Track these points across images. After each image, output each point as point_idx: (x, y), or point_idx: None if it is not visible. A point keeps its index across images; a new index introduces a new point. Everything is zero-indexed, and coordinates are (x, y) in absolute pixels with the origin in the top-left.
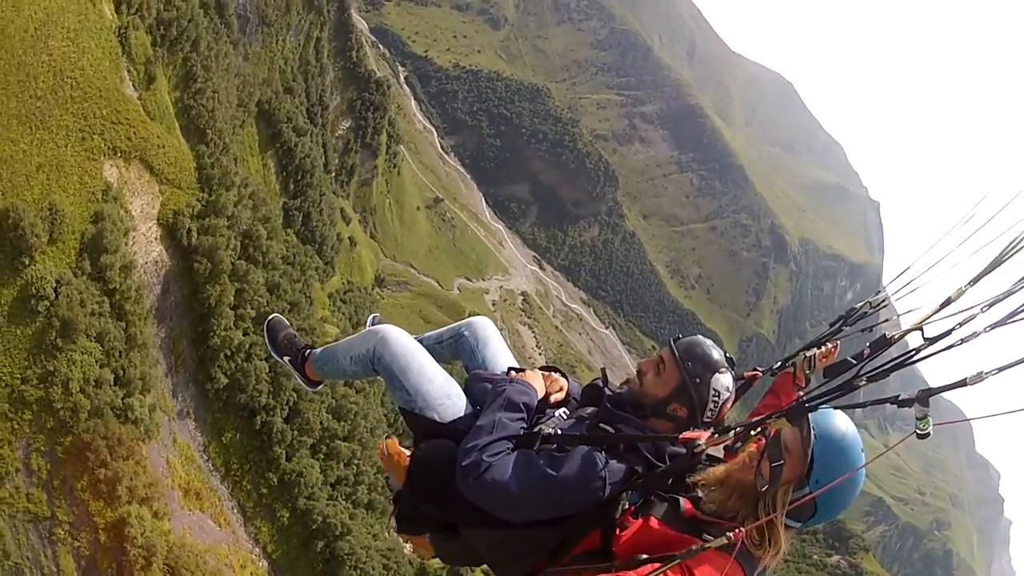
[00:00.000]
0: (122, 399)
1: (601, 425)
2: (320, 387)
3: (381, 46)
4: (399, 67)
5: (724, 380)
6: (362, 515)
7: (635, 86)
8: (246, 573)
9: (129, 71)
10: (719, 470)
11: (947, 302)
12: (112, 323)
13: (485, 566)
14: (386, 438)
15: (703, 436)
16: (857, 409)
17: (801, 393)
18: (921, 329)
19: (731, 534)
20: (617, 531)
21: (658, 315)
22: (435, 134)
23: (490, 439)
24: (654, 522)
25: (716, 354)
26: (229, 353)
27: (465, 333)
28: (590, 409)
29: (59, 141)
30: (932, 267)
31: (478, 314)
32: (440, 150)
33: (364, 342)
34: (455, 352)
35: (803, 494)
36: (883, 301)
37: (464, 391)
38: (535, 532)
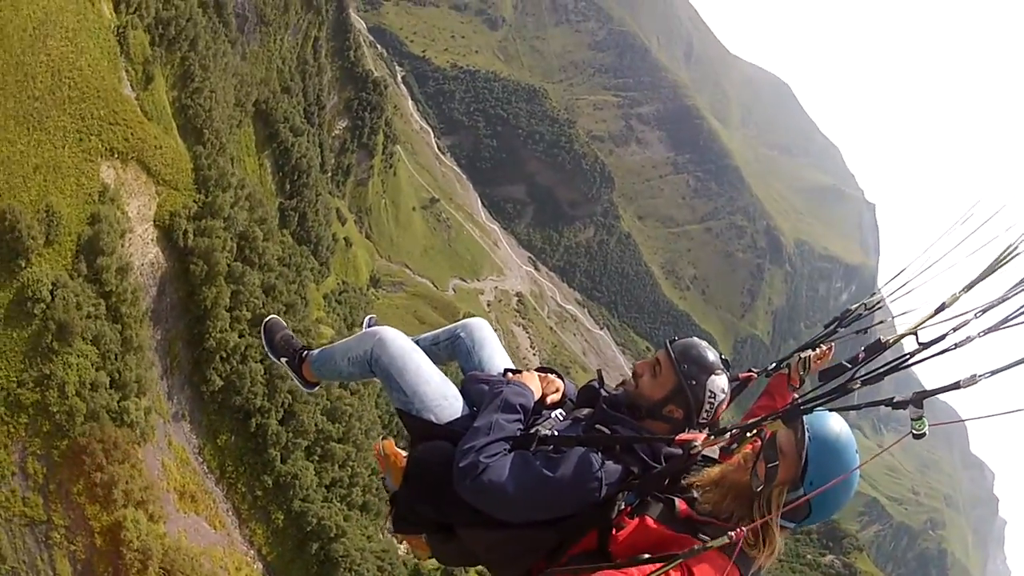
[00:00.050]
0: (118, 402)
1: (597, 426)
2: (317, 388)
3: (379, 46)
4: (396, 67)
5: (720, 382)
6: (357, 517)
7: (632, 87)
8: (241, 575)
9: (127, 71)
10: (714, 471)
11: (942, 307)
12: (108, 326)
13: (480, 567)
14: (382, 439)
15: (699, 438)
16: (852, 411)
17: (796, 395)
18: (916, 334)
19: (732, 533)
20: (614, 531)
21: (653, 316)
22: (432, 134)
23: (487, 440)
24: (650, 522)
25: (712, 356)
26: (225, 355)
27: (461, 335)
28: (586, 410)
29: (56, 142)
30: (927, 269)
31: (473, 315)
32: (436, 150)
33: (362, 343)
34: (451, 353)
35: (797, 495)
36: (878, 303)
37: (460, 392)
38: (532, 533)
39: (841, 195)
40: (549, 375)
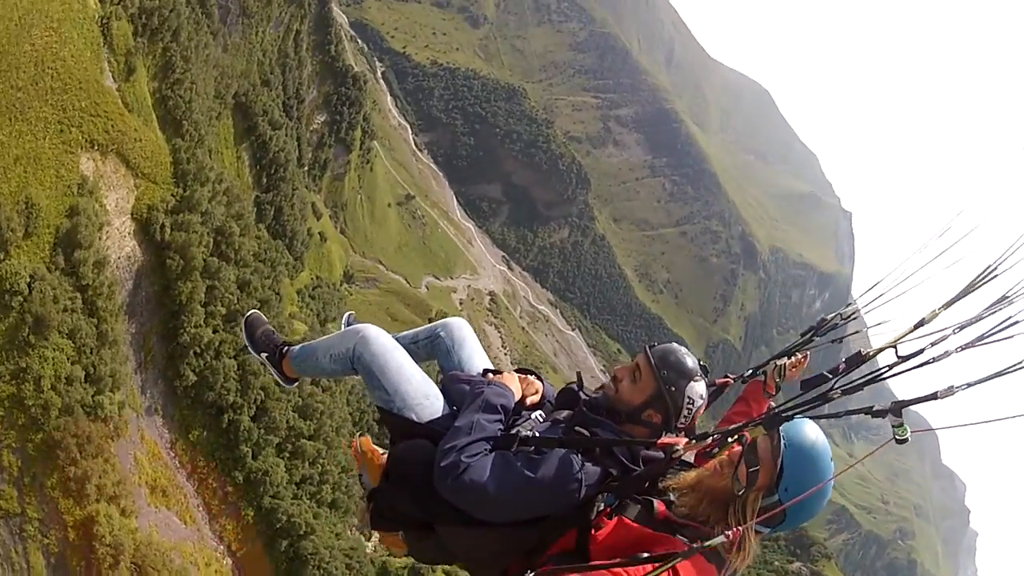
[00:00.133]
0: (92, 396)
1: (577, 429)
2: (296, 384)
3: (360, 41)
4: (377, 62)
5: (698, 388)
6: (326, 514)
7: (612, 89)
8: (211, 571)
9: (110, 62)
10: (691, 475)
11: (921, 323)
12: (84, 319)
13: (449, 566)
14: (359, 436)
15: (681, 442)
16: (830, 419)
17: (772, 402)
18: (895, 347)
19: (730, 532)
20: (593, 531)
21: (625, 319)
22: (409, 131)
23: (468, 440)
24: (629, 522)
25: (690, 362)
26: (199, 351)
27: (441, 334)
28: (565, 413)
29: (37, 133)
30: (902, 282)
31: (446, 313)
32: (414, 147)
33: (344, 340)
34: (431, 352)
35: (772, 501)
36: (853, 313)
37: (441, 392)
38: (512, 532)
39: (818, 203)
40: (529, 376)
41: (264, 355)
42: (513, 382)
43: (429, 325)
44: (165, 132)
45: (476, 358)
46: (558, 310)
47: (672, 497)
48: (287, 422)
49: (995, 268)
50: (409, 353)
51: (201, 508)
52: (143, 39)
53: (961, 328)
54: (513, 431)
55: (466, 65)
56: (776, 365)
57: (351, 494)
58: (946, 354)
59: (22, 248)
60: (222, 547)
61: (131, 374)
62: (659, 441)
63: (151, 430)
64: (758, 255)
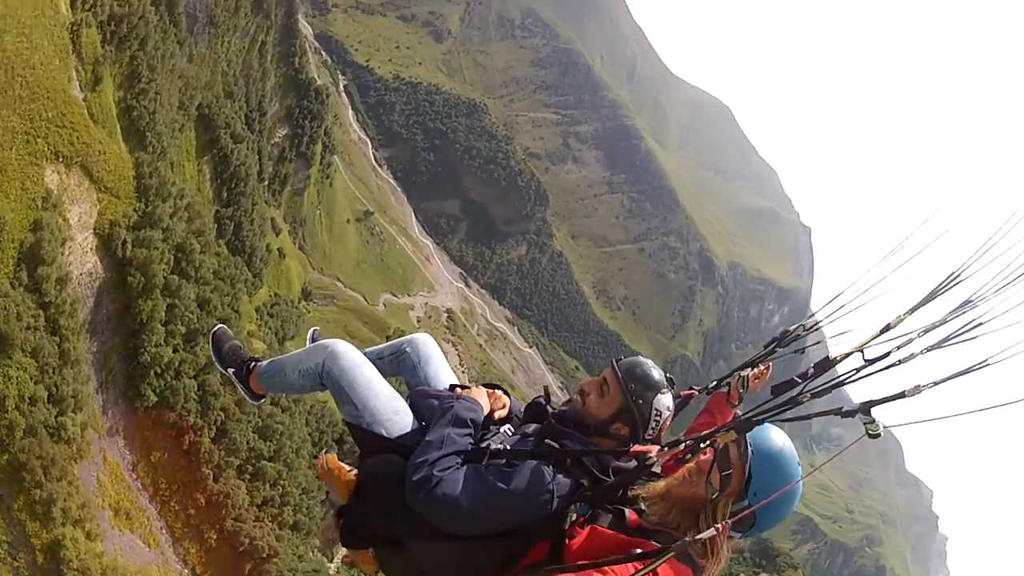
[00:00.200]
0: (55, 417)
1: (547, 441)
2: (263, 400)
3: (324, 53)
4: (340, 75)
5: (665, 400)
6: (288, 537)
7: (572, 105)
8: None
9: (77, 70)
10: (660, 485)
11: (887, 328)
12: (47, 338)
13: None
14: (326, 453)
15: (654, 450)
16: (799, 422)
17: (738, 411)
18: (862, 351)
19: (719, 526)
20: (567, 541)
21: (583, 335)
22: (370, 145)
23: (440, 454)
24: (602, 530)
25: (657, 375)
26: (159, 371)
27: (407, 350)
28: (534, 426)
29: (4, 143)
30: (865, 292)
31: (403, 331)
32: (373, 162)
33: (313, 356)
34: (396, 368)
35: (742, 506)
36: (816, 324)
37: (409, 407)
38: (484, 545)
39: (777, 218)
40: (496, 391)
41: (231, 370)
42: (481, 396)
43: (394, 341)
44: (128, 143)
45: (443, 374)
46: (516, 327)
47: (643, 506)
48: (247, 443)
49: (959, 274)
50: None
51: (164, 531)
52: (111, 47)
53: (926, 331)
54: (483, 445)
55: (428, 80)
56: (739, 376)
57: (312, 516)
58: (912, 356)
59: None
60: (187, 571)
61: (92, 394)
62: (632, 449)
63: (113, 451)
64: (716, 271)
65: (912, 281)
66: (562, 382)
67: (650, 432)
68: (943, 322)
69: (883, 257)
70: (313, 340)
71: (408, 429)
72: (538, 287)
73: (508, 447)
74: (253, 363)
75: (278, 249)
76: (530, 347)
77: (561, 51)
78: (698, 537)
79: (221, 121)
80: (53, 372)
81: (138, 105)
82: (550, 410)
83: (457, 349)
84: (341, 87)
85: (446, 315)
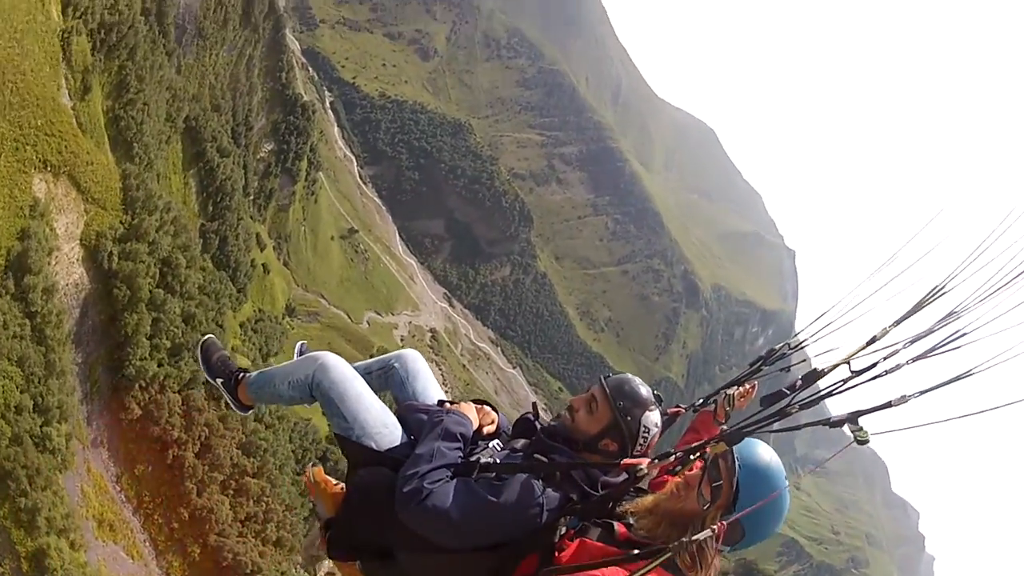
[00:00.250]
0: (40, 427)
1: (536, 456)
2: (251, 411)
3: (311, 69)
4: (326, 92)
5: (653, 417)
6: (271, 553)
7: (557, 127)
8: None
9: (67, 78)
10: (648, 499)
11: (873, 340)
12: (33, 348)
13: None
14: (312, 466)
15: (644, 462)
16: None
17: (724, 428)
18: (848, 363)
19: (715, 527)
20: (556, 554)
21: (566, 357)
22: (355, 163)
23: (430, 467)
24: (591, 543)
25: (645, 391)
26: (144, 384)
27: (395, 365)
28: (522, 441)
29: None
30: (849, 311)
31: (387, 349)
32: (358, 180)
33: (303, 367)
34: (384, 384)
35: (730, 519)
36: (801, 343)
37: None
38: (473, 557)
39: (761, 241)
40: (484, 407)
41: (220, 381)
42: (470, 411)
43: (383, 356)
44: (116, 154)
45: (431, 389)
46: (499, 348)
47: (631, 520)
48: (231, 459)
49: (943, 286)
50: None
51: (148, 544)
52: (100, 55)
53: (912, 342)
54: (474, 458)
55: (414, 98)
56: (725, 395)
57: (295, 532)
58: (898, 367)
59: None
60: None
61: (77, 405)
62: (623, 462)
63: (97, 463)
64: (700, 293)
65: (898, 299)
66: (546, 403)
67: (638, 448)
68: (928, 332)
69: (868, 275)
70: (301, 354)
71: (398, 442)
72: (522, 308)
73: (498, 461)
74: (242, 374)
75: (263, 264)
76: (513, 368)
77: (547, 72)
78: (695, 538)
79: (208, 134)
80: (39, 382)
81: (126, 115)
82: (539, 425)
83: (441, 369)
84: (327, 103)
85: (430, 334)
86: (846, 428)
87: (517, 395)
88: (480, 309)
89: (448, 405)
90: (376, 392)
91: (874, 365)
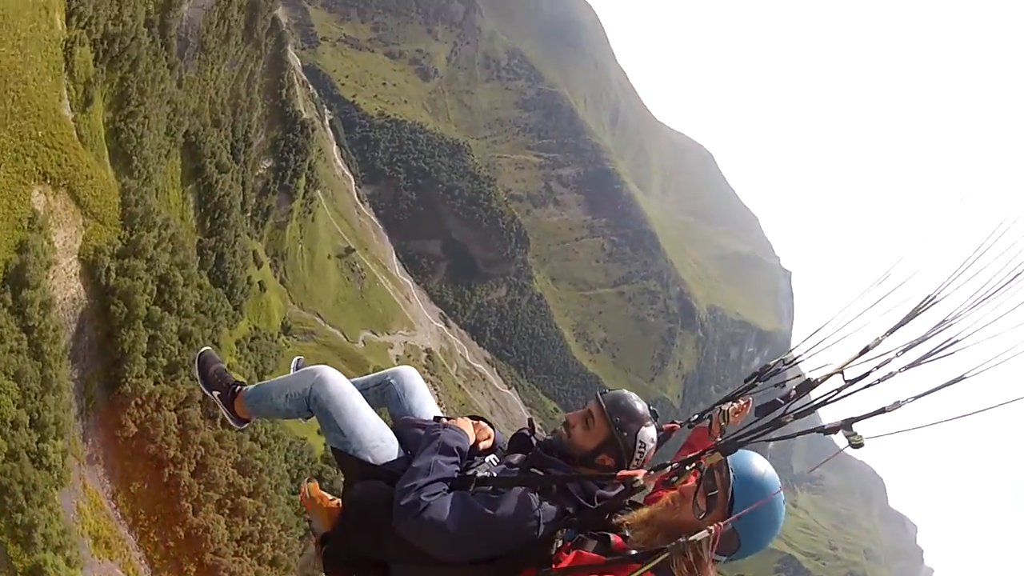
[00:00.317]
0: (37, 443)
1: (532, 469)
2: (247, 425)
3: (311, 86)
4: (325, 109)
5: (649, 432)
6: (267, 572)
7: (555, 148)
8: None
9: (69, 89)
10: (643, 512)
11: (866, 349)
12: (29, 362)
13: None
14: (308, 482)
15: (641, 473)
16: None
17: (719, 440)
18: (842, 372)
19: (712, 528)
20: (553, 567)
21: (562, 378)
22: (353, 182)
23: (427, 480)
24: (587, 554)
25: (640, 407)
26: (140, 402)
27: (392, 381)
28: (518, 456)
29: None
30: (842, 328)
31: (382, 369)
32: (356, 199)
33: (300, 381)
34: (380, 400)
35: (726, 530)
36: (796, 359)
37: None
38: (471, 570)
39: (758, 263)
40: (480, 422)
41: (216, 393)
42: (467, 426)
43: (379, 373)
44: (115, 167)
45: (427, 405)
46: (495, 368)
47: (627, 532)
48: (227, 478)
49: (935, 296)
50: None
51: (144, 561)
52: (102, 65)
53: (904, 350)
54: (471, 472)
55: (413, 118)
56: (720, 411)
57: (291, 552)
58: (891, 375)
59: None
60: None
61: (73, 421)
62: (619, 473)
63: (92, 479)
64: (696, 314)
65: (891, 313)
66: (541, 423)
67: (635, 463)
68: (921, 340)
69: (861, 292)
70: (298, 368)
71: (394, 456)
72: (518, 329)
73: (494, 475)
74: (239, 387)
75: (259, 282)
76: (509, 388)
77: (545, 94)
78: (691, 539)
79: (207, 149)
80: (35, 397)
81: (126, 128)
82: (535, 440)
83: (436, 389)
84: (326, 121)
85: (425, 354)
86: (841, 435)
87: (512, 415)
88: (476, 329)
89: (445, 420)
90: (373, 408)
91: (867, 374)
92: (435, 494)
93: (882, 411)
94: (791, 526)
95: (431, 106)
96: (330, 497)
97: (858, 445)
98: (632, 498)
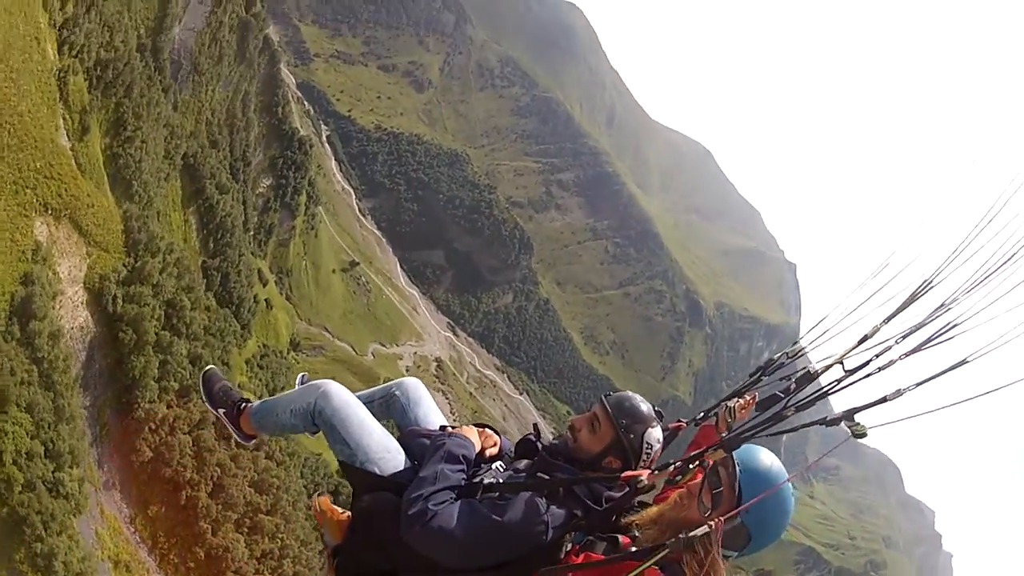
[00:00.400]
0: (52, 473)
1: (539, 474)
2: (254, 441)
3: (306, 103)
4: (322, 125)
5: (655, 433)
6: None
7: (553, 153)
8: None
9: (65, 119)
10: (652, 511)
11: (864, 338)
12: (41, 393)
13: None
14: (318, 495)
15: (644, 474)
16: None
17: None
18: (842, 363)
19: (712, 523)
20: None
21: (572, 381)
22: (353, 196)
23: (434, 489)
24: (596, 556)
25: (646, 408)
26: (154, 426)
27: (396, 393)
28: (525, 462)
29: None
30: (846, 317)
31: (391, 379)
32: (358, 212)
33: (305, 396)
34: (386, 412)
35: (734, 524)
36: (800, 351)
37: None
38: None
39: (762, 257)
40: (486, 430)
41: (221, 411)
42: (472, 434)
43: (384, 385)
44: (115, 193)
45: (432, 415)
46: (505, 375)
47: (636, 532)
48: (244, 497)
49: (932, 280)
50: None
51: None
52: (97, 92)
53: (904, 337)
54: (477, 479)
55: (410, 130)
56: (726, 407)
57: (311, 567)
58: (891, 363)
59: None
60: None
61: (87, 448)
62: (624, 474)
63: (110, 505)
64: (703, 311)
65: (893, 300)
66: (554, 427)
67: (642, 464)
68: (920, 326)
69: (861, 283)
70: (303, 384)
71: (401, 467)
72: (526, 334)
73: (501, 481)
74: (244, 404)
75: (265, 300)
76: (520, 394)
77: (540, 100)
78: (691, 534)
79: (206, 171)
80: (49, 428)
81: (124, 153)
82: (541, 445)
83: (448, 397)
84: (324, 137)
85: (435, 364)
86: (843, 425)
87: (525, 420)
88: (484, 337)
89: (450, 429)
90: (378, 420)
91: (868, 363)
92: (442, 502)
93: (883, 400)
94: (809, 517)
95: (427, 117)
96: (340, 510)
97: (861, 435)
98: (641, 498)
